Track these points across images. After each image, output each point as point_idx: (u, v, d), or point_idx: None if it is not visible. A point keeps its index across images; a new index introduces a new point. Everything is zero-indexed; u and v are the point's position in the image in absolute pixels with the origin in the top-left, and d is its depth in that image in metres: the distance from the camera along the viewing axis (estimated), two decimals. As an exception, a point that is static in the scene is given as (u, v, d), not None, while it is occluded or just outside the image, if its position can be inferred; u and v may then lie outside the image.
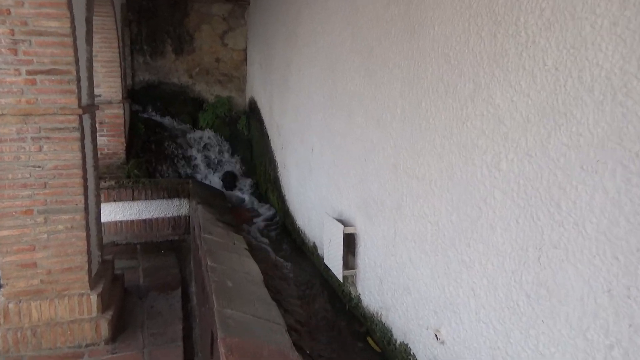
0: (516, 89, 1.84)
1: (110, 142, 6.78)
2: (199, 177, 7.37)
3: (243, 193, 7.17)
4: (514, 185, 1.85)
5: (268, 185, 6.72)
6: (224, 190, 7.16)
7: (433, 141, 2.43)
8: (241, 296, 3.11)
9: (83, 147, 3.72)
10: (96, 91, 6.63)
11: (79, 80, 3.61)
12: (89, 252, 3.82)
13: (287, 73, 5.45)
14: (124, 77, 7.15)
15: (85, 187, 3.77)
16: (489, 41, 2.00)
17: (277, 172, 6.13)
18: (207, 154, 7.70)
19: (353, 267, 3.55)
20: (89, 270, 3.83)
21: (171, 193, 6.29)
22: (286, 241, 5.37)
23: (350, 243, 3.53)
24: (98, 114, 6.80)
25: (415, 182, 2.62)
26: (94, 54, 6.67)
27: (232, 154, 7.84)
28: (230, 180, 7.40)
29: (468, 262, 2.15)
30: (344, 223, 3.58)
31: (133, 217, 6.20)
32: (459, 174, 2.21)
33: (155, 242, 6.30)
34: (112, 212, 6.10)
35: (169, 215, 6.35)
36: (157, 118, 8.07)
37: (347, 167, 3.64)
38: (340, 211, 3.82)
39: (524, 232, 1.80)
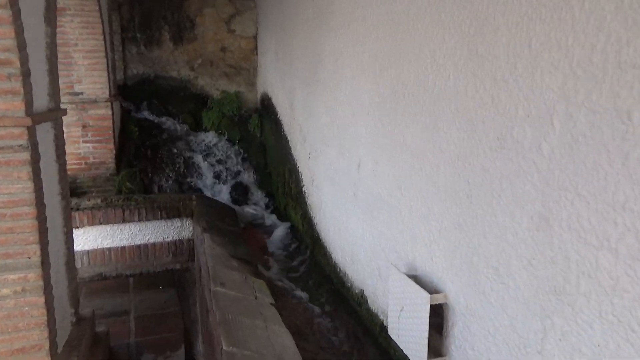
0: None
1: (97, 149, 5.60)
2: (203, 189, 6.19)
3: (257, 208, 5.99)
4: None
5: (288, 200, 5.53)
6: (233, 205, 5.98)
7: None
8: (280, 421, 1.94)
9: (37, 172, 2.54)
10: (78, 88, 5.45)
11: (27, 74, 2.42)
12: (50, 323, 2.66)
13: (317, 63, 4.24)
14: (112, 71, 5.96)
15: (43, 231, 2.61)
16: None
17: (302, 187, 4.94)
18: (213, 161, 6.51)
19: (441, 353, 2.37)
20: (52, 349, 2.68)
21: (171, 212, 5.13)
22: (318, 279, 4.20)
23: (434, 313, 2.35)
24: (81, 115, 5.63)
25: (607, 257, 1.43)
26: (73, 42, 5.48)
27: (242, 161, 6.65)
28: (241, 192, 6.22)
29: None
30: (424, 285, 2.40)
31: (124, 243, 5.05)
32: None
33: (152, 273, 5.15)
34: (99, 237, 4.95)
35: (168, 240, 5.20)
36: (154, 118, 6.88)
37: (429, 202, 2.45)
38: (412, 263, 2.63)
39: None
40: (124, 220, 4.96)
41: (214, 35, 7.25)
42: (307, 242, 4.80)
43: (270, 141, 6.44)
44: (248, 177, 6.50)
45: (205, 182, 6.30)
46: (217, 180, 6.36)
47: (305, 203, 4.82)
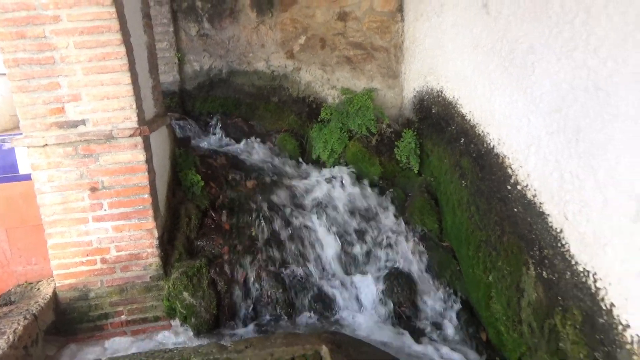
0: None
1: (122, 231, 2.78)
2: (329, 287, 3.16)
3: (444, 342, 2.84)
4: None
5: (540, 354, 2.32)
6: (395, 331, 2.90)
7: None
8: None
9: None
10: (74, 112, 2.61)
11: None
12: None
13: None
14: (151, 70, 3.10)
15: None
16: None
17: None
18: (338, 227, 3.47)
19: None
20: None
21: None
22: None
23: None
24: (85, 167, 2.40)
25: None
26: (49, 7, 2.48)
27: (394, 221, 3.54)
28: (402, 295, 3.11)
29: None
30: None
31: None
32: None
33: None
34: None
35: None
36: (231, 147, 3.97)
37: None
38: None
39: None
40: None
41: (325, -6, 4.16)
42: None
43: (453, 189, 3.25)
44: (408, 255, 3.37)
45: (327, 269, 3.28)
46: (349, 268, 3.32)
47: None
